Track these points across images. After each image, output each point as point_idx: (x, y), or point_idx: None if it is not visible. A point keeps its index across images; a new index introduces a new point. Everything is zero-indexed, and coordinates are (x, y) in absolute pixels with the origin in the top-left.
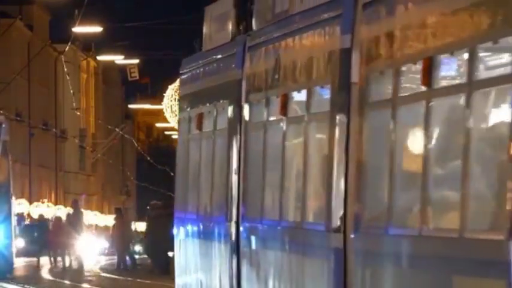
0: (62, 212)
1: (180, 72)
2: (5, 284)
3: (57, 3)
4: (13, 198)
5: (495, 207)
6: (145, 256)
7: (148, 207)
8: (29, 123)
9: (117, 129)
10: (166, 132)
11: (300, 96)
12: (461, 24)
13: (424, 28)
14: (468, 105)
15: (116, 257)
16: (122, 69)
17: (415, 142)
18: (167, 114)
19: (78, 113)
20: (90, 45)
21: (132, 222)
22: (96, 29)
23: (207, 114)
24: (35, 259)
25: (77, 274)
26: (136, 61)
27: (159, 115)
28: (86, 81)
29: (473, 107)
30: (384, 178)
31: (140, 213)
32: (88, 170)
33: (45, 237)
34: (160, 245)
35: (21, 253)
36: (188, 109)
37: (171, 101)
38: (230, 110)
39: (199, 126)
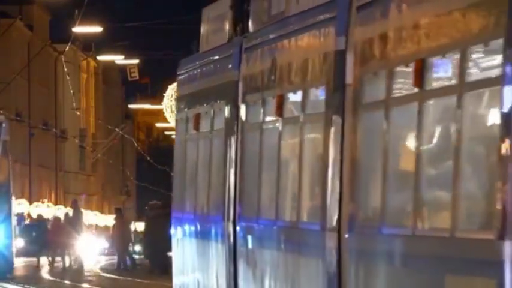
0: (62, 212)
1: (178, 73)
2: (5, 284)
3: (57, 3)
4: (13, 198)
5: (486, 207)
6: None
7: (146, 207)
8: (29, 123)
9: (117, 129)
10: (166, 132)
11: (295, 97)
12: (453, 26)
13: (416, 30)
14: (459, 107)
15: (115, 257)
16: (122, 69)
17: (408, 143)
18: (167, 114)
19: (78, 113)
20: (90, 45)
21: (132, 222)
22: (96, 29)
23: (204, 115)
24: (34, 259)
25: (77, 274)
26: (136, 61)
27: (159, 115)
28: (86, 81)
29: (464, 108)
30: (377, 178)
31: (140, 213)
32: (88, 170)
33: (44, 237)
34: (158, 245)
35: (21, 253)
36: (186, 110)
37: (171, 101)
38: (227, 111)
39: (197, 127)
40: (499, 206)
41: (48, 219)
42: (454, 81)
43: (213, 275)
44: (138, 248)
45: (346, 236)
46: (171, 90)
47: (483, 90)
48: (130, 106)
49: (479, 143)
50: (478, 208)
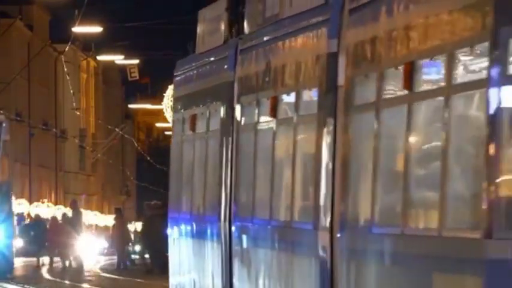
0: (62, 212)
1: (174, 74)
2: (5, 284)
3: (57, 3)
4: (13, 198)
5: (473, 207)
6: (145, 256)
7: (144, 207)
8: (29, 123)
9: (117, 129)
10: (166, 132)
11: (289, 98)
12: (441, 30)
13: (405, 34)
14: (447, 108)
15: (115, 257)
16: (122, 69)
17: (397, 144)
18: (167, 114)
19: (78, 113)
20: (90, 45)
21: (133, 222)
22: (96, 29)
23: (200, 116)
24: (33, 259)
25: (76, 274)
26: (136, 61)
27: (159, 115)
28: (86, 81)
29: (452, 110)
30: (368, 179)
31: (140, 213)
32: (88, 170)
33: (43, 237)
34: (156, 244)
35: (20, 253)
36: (182, 110)
37: (171, 101)
38: (222, 112)
39: (193, 127)
40: (485, 206)
41: (47, 219)
42: (442, 84)
43: (208, 274)
44: (138, 247)
45: (338, 235)
46: (171, 90)
47: (470, 92)
48: (131, 106)
49: (466, 144)
50: (465, 208)
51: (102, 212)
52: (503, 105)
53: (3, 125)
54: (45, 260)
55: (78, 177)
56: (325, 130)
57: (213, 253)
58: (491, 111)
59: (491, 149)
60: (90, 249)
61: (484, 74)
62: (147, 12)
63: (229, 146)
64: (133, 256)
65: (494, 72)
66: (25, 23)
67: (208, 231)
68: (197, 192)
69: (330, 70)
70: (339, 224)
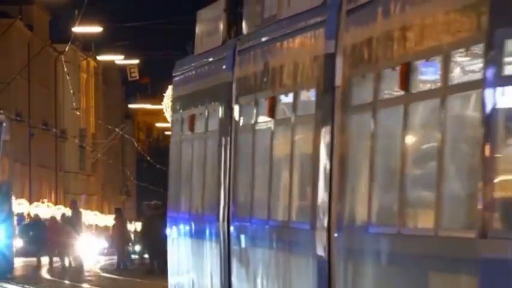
0: (62, 212)
1: (173, 74)
2: (5, 284)
3: (57, 3)
4: (13, 198)
5: (468, 207)
6: (144, 256)
7: (144, 207)
8: (29, 123)
9: (117, 129)
10: (166, 132)
11: (286, 98)
12: (437, 31)
13: (402, 35)
14: (442, 109)
15: (115, 257)
16: (122, 69)
17: (394, 144)
18: (167, 114)
19: (78, 113)
20: (90, 45)
21: (133, 222)
22: (96, 29)
23: (198, 116)
24: (33, 259)
25: (76, 274)
26: (136, 61)
27: (159, 115)
28: (86, 81)
29: (447, 111)
30: (364, 179)
31: (140, 213)
32: (88, 170)
33: (42, 237)
34: (155, 244)
35: (20, 253)
36: (181, 111)
37: (171, 101)
38: (221, 112)
39: (192, 128)
40: (480, 206)
41: (46, 220)
42: (438, 84)
43: (207, 274)
44: (138, 247)
45: (335, 235)
46: (171, 90)
47: (466, 93)
48: (131, 106)
49: (462, 145)
50: (461, 208)
51: (102, 212)
52: (498, 105)
53: (4, 124)
54: (44, 259)
55: (78, 177)
56: (322, 130)
57: (211, 253)
58: (487, 111)
59: (487, 150)
60: (90, 249)
61: (479, 75)
62: (147, 12)
63: (228, 146)
64: (133, 256)
65: (490, 73)
66: (25, 23)
67: (207, 231)
68: (196, 192)
69: (327, 71)
70: (336, 224)
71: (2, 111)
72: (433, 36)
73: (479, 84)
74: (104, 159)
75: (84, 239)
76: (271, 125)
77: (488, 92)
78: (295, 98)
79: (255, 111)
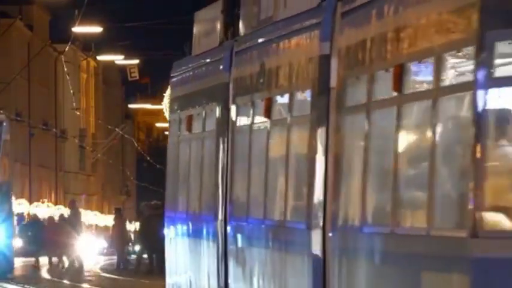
0: (63, 212)
1: (171, 75)
2: (5, 284)
3: (57, 3)
4: (13, 198)
5: (459, 207)
6: (143, 256)
7: (142, 207)
8: (29, 123)
9: (117, 129)
10: (166, 132)
11: (282, 99)
12: (429, 34)
13: (395, 37)
14: (434, 110)
15: (115, 257)
16: (122, 69)
17: (387, 145)
18: (167, 114)
19: (78, 113)
20: (90, 45)
21: (133, 222)
22: (96, 29)
23: (196, 116)
24: (31, 259)
25: (76, 274)
26: (136, 61)
27: (159, 115)
28: (86, 81)
29: (439, 112)
30: (358, 179)
31: (139, 214)
32: (88, 170)
33: (41, 237)
34: (154, 244)
35: (20, 253)
36: (178, 111)
37: None
38: (218, 112)
39: (189, 128)
40: (471, 206)
41: (44, 219)
42: (430, 86)
43: (204, 273)
44: (137, 247)
45: (330, 234)
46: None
47: (457, 94)
48: (131, 106)
49: (453, 145)
50: (452, 208)
51: (102, 212)
52: (489, 107)
53: (4, 124)
54: (43, 259)
55: (78, 177)
56: (318, 131)
57: (208, 252)
58: (478, 113)
59: (478, 150)
60: (90, 249)
61: (471, 77)
62: (147, 12)
63: (225, 146)
64: (133, 256)
65: (481, 74)
66: (25, 23)
67: (204, 230)
68: (193, 192)
69: (322, 72)
70: (331, 224)
71: (2, 111)
72: (425, 38)
73: (471, 86)
74: (104, 159)
75: (83, 239)
76: (267, 125)
77: (479, 94)
78: (291, 98)
79: (251, 111)
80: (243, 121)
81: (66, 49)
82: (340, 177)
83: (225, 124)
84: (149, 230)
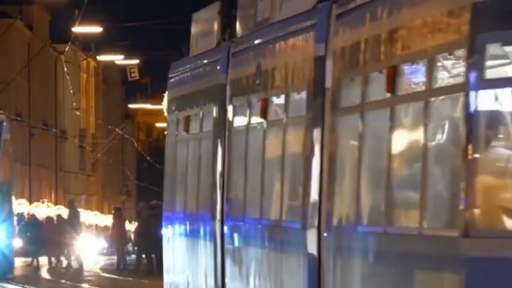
0: (63, 212)
1: (169, 76)
2: (5, 284)
3: (57, 3)
4: (13, 198)
5: (451, 207)
6: (142, 256)
7: (140, 208)
8: (29, 123)
9: (117, 129)
10: (166, 132)
11: (278, 100)
12: (422, 36)
13: (389, 39)
14: (426, 111)
15: (115, 257)
16: (122, 69)
17: (380, 146)
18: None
19: (78, 113)
20: (90, 45)
21: (133, 222)
22: (96, 29)
23: (193, 117)
24: (30, 259)
25: (76, 274)
26: (136, 61)
27: (159, 115)
28: (86, 81)
29: (431, 113)
30: (352, 179)
31: (138, 214)
32: (88, 170)
33: (40, 236)
34: (152, 244)
35: (19, 253)
36: (176, 112)
37: None
38: (215, 113)
39: (187, 128)
40: (462, 206)
41: (42, 219)
42: (422, 87)
43: (202, 272)
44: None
45: (325, 234)
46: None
47: (449, 95)
48: (131, 106)
49: (445, 146)
50: (444, 207)
51: (102, 212)
52: (480, 108)
53: (4, 124)
54: (42, 259)
55: (78, 177)
56: (313, 131)
57: (206, 252)
58: (469, 114)
59: (469, 151)
60: (90, 249)
61: (462, 78)
62: (147, 12)
63: (222, 147)
64: (133, 256)
65: (472, 76)
66: (25, 23)
67: (202, 230)
68: (190, 192)
69: (318, 73)
70: (326, 223)
71: (2, 111)
72: (418, 40)
73: (463, 88)
74: (104, 159)
75: (83, 239)
76: (263, 126)
77: (470, 95)
78: (287, 99)
79: (248, 112)
80: (239, 122)
81: (66, 49)
82: (334, 177)
83: (222, 124)
84: (147, 230)
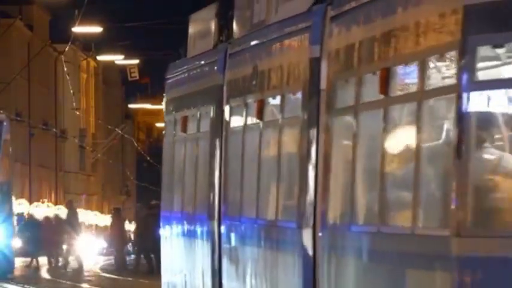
0: (62, 212)
1: (166, 77)
2: (5, 284)
3: (57, 3)
4: (13, 198)
5: (443, 207)
6: (141, 256)
7: (138, 209)
8: (29, 123)
9: (117, 129)
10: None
11: (274, 101)
12: (415, 38)
13: (382, 41)
14: (419, 112)
15: (113, 256)
16: (122, 69)
17: (373, 147)
18: None
19: (78, 113)
20: (90, 45)
21: (132, 222)
22: (96, 29)
23: (191, 117)
24: (29, 259)
25: (76, 274)
26: (136, 61)
27: (159, 115)
28: (86, 81)
29: (423, 114)
30: (346, 179)
31: (136, 215)
32: (88, 170)
33: (38, 236)
34: (149, 244)
35: (19, 253)
36: (174, 112)
37: None
38: (212, 114)
39: (184, 129)
40: (454, 206)
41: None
42: (415, 89)
43: (199, 272)
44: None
45: (320, 234)
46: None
47: (441, 97)
48: (131, 106)
49: (437, 147)
50: (436, 207)
51: (102, 212)
52: (471, 109)
53: (4, 123)
54: (42, 259)
55: (78, 177)
56: (308, 132)
57: (203, 251)
58: (461, 115)
59: (460, 151)
60: (90, 249)
61: (454, 80)
62: (147, 12)
63: (219, 147)
64: (132, 256)
65: (464, 78)
66: (25, 23)
67: (199, 230)
68: (188, 192)
69: (313, 74)
70: (321, 223)
71: (2, 111)
72: (410, 42)
73: (454, 89)
74: (104, 159)
75: (83, 239)
76: (259, 126)
77: (462, 97)
78: (283, 100)
79: (244, 113)
80: (236, 122)
81: (66, 49)
82: (329, 177)
83: (219, 125)
84: (145, 230)
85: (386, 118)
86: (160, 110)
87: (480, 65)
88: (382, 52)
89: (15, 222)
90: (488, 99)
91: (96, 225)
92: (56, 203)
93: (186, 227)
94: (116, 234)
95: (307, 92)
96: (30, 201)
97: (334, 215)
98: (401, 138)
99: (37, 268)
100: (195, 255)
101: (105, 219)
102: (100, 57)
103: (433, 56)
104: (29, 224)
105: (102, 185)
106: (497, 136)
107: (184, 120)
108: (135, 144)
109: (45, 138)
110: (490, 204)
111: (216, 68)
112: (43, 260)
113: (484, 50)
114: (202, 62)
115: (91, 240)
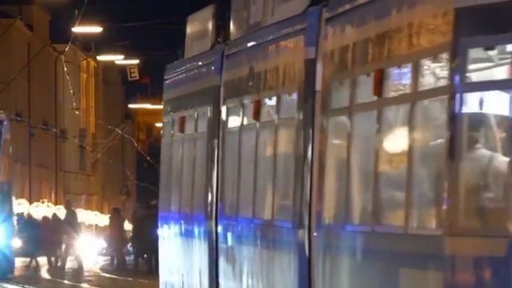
0: (62, 212)
1: (164, 77)
2: (5, 284)
3: (57, 3)
4: (13, 198)
5: (435, 207)
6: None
7: (135, 209)
8: (29, 123)
9: (117, 129)
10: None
11: (270, 102)
12: (408, 40)
13: (376, 43)
14: (412, 114)
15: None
16: (122, 69)
17: (367, 147)
18: None
19: (78, 113)
20: (90, 45)
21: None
22: (96, 29)
23: (188, 118)
24: (28, 259)
25: (76, 274)
26: (136, 61)
27: (159, 115)
28: (86, 81)
29: (416, 115)
30: (341, 179)
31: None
32: (88, 170)
33: (37, 236)
34: (147, 244)
35: (19, 253)
36: (171, 113)
37: None
38: (209, 114)
39: (182, 129)
40: (446, 206)
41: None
42: (408, 90)
43: (196, 271)
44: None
45: (315, 233)
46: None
47: (433, 98)
48: (131, 106)
49: (430, 147)
50: (429, 207)
51: (102, 212)
52: (463, 110)
53: (5, 123)
54: (41, 259)
55: (78, 177)
56: (304, 132)
57: (200, 251)
58: (453, 116)
59: (452, 152)
60: (90, 249)
61: (446, 82)
62: (147, 12)
63: (216, 147)
64: (132, 256)
65: (455, 79)
66: (25, 23)
67: (196, 230)
68: (185, 192)
69: (308, 76)
70: (316, 223)
71: (2, 111)
72: (404, 44)
73: (446, 91)
74: (104, 159)
75: (82, 239)
76: (256, 127)
77: (454, 98)
78: (279, 101)
79: (241, 113)
80: (233, 123)
81: (66, 49)
82: (324, 177)
83: (216, 125)
84: (141, 230)
85: (380, 119)
86: (160, 110)
87: (472, 66)
88: (376, 54)
89: (15, 222)
90: (480, 100)
91: (96, 225)
92: (56, 203)
93: (183, 227)
94: (115, 234)
95: (303, 93)
96: (30, 201)
97: (329, 214)
98: (394, 139)
99: (36, 268)
100: (193, 255)
101: (105, 219)
102: (100, 57)
103: (426, 57)
104: (28, 224)
105: (102, 185)
106: (489, 137)
107: (182, 120)
108: (135, 144)
109: (45, 138)
110: (482, 204)
111: (213, 69)
112: (43, 260)
113: (475, 52)
114: (200, 63)
115: (91, 240)
